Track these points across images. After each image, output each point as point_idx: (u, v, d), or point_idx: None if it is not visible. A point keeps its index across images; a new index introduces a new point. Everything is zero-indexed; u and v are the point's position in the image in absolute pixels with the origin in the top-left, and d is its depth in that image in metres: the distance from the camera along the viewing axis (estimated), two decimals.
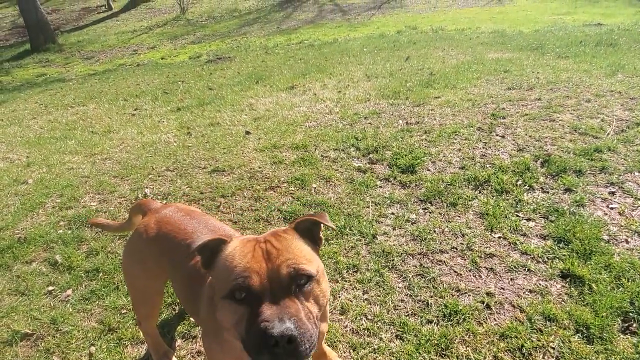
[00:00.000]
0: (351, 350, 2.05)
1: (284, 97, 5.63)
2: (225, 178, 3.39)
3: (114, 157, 4.11)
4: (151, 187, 3.37)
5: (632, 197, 2.79)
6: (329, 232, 2.71)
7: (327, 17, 16.15)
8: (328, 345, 2.08)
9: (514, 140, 3.59)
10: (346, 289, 2.36)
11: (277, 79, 6.99)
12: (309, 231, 1.13)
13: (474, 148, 3.52)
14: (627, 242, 2.49)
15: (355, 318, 2.19)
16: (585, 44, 7.06)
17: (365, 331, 2.13)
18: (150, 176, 3.56)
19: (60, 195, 3.39)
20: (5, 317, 2.32)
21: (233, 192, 3.15)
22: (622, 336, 2.02)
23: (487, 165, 3.27)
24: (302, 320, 0.92)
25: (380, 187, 3.14)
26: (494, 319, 2.16)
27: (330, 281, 2.41)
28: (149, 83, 8.32)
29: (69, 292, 2.42)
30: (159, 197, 3.22)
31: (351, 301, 2.28)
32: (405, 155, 3.43)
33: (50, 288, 2.50)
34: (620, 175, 3.02)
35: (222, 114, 5.26)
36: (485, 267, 2.44)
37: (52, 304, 2.39)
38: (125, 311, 2.29)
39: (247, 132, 4.29)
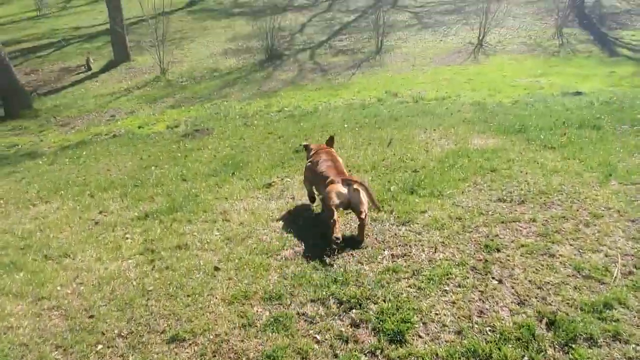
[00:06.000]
0: None
1: (260, 203, 5.25)
2: (185, 351, 2.93)
3: (63, 305, 3.61)
4: None
5: None
6: None
7: (308, 77, 16.10)
8: None
9: (513, 287, 3.22)
10: None
11: (254, 168, 6.64)
12: None
13: (469, 301, 3.13)
14: None
15: None
16: (568, 124, 6.93)
17: None
18: (99, 346, 3.07)
19: None
20: None
21: None
22: None
23: (487, 329, 2.87)
24: None
25: None
26: None
27: None
28: (121, 168, 7.91)
29: None
30: None
31: None
32: (393, 314, 3.02)
33: None
34: (638, 344, 2.65)
35: (192, 226, 4.85)
36: None
37: None
38: None
39: (216, 268, 3.85)
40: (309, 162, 4.69)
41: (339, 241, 3.75)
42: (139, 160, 8.35)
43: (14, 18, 26.98)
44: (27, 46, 22.28)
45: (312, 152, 4.77)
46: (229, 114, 12.06)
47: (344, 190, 3.88)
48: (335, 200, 3.84)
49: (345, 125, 8.55)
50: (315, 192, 4.62)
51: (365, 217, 3.87)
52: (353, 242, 3.95)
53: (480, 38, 17.67)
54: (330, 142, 4.92)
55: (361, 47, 19.15)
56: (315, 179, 4.41)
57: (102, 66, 19.39)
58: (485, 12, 17.32)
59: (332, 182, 3.96)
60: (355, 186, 3.87)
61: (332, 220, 3.79)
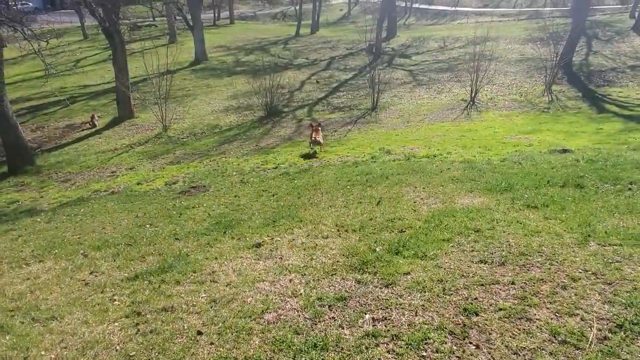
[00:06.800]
0: None
1: (248, 263, 5.34)
2: None
3: None
4: None
5: None
6: None
7: (305, 134, 16.56)
8: None
9: (489, 353, 3.25)
10: None
11: (246, 227, 6.77)
12: None
13: None
14: None
15: None
16: (552, 183, 7.11)
17: None
18: None
19: None
20: None
21: None
22: None
23: None
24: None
25: None
26: None
27: None
28: (116, 226, 8.04)
29: None
30: None
31: None
32: None
33: None
34: None
35: (180, 287, 4.91)
36: None
37: None
38: None
39: (199, 333, 3.89)
40: (311, 131, 12.83)
41: (312, 148, 12.72)
42: (135, 218, 8.50)
43: (24, 77, 28.17)
44: (35, 103, 23.12)
45: (313, 129, 12.78)
46: (226, 170, 12.33)
47: (315, 138, 12.46)
48: (311, 140, 12.76)
49: (338, 183, 8.75)
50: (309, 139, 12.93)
51: (321, 145, 12.67)
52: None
53: (473, 95, 18.29)
54: (319, 124, 13.12)
55: (357, 104, 19.83)
56: (310, 136, 12.61)
57: (106, 123, 19.99)
58: (477, 70, 18.05)
59: (312, 135, 12.62)
60: (318, 137, 12.49)
61: (310, 142, 12.80)
